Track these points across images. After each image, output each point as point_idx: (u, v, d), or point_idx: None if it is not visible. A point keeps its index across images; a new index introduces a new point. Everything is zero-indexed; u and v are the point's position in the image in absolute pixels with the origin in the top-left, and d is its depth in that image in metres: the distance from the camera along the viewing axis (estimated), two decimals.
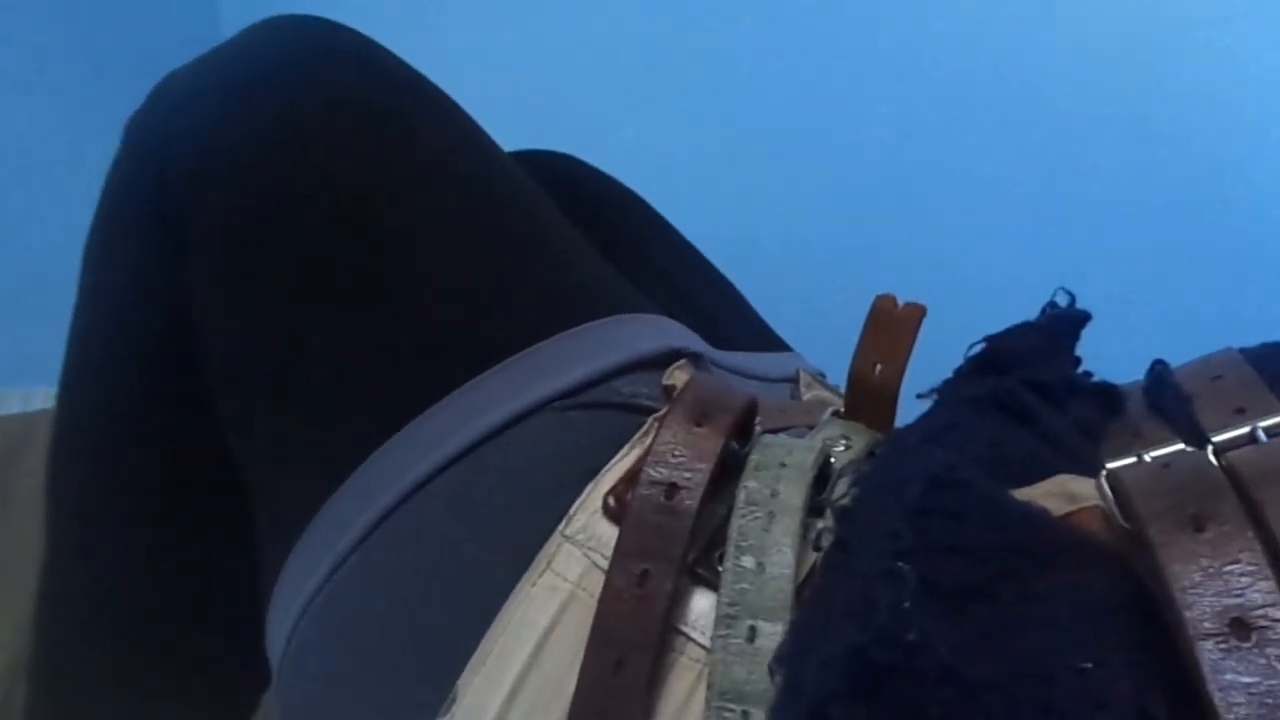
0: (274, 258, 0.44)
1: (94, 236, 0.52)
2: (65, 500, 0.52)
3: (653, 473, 0.34)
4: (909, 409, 0.39)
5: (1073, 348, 0.38)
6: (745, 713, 0.30)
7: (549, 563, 0.36)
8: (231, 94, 0.47)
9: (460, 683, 0.35)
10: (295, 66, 0.47)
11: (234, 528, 0.46)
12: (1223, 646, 0.23)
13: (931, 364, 0.40)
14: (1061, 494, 0.31)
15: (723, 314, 0.63)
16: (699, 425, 0.36)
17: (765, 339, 0.64)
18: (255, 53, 0.49)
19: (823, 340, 0.58)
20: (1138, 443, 0.32)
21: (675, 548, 0.33)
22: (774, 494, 0.34)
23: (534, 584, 0.35)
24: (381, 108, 0.46)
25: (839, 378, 0.45)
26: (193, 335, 0.47)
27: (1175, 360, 0.37)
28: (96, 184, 0.52)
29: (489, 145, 0.50)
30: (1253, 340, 0.36)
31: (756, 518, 0.34)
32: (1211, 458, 0.28)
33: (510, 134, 0.55)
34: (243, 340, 0.45)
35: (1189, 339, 0.39)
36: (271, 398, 0.44)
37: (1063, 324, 0.38)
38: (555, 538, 0.36)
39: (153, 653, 0.53)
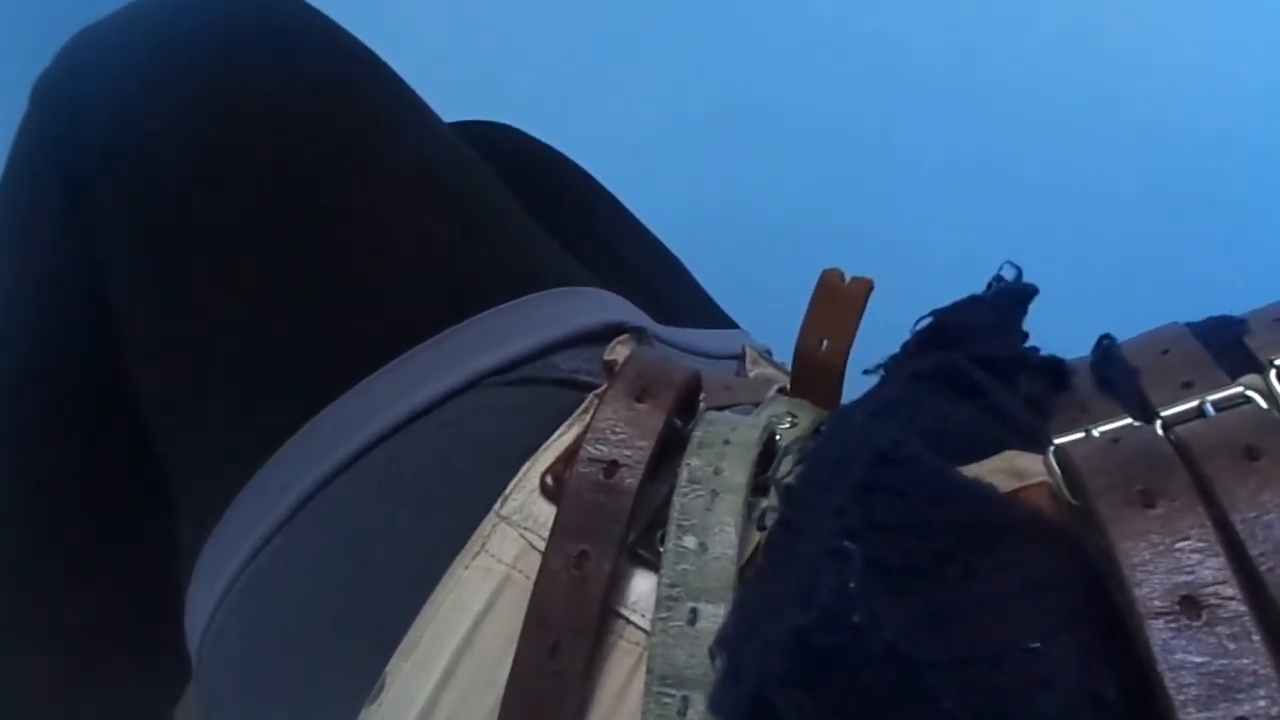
0: (194, 234, 0.42)
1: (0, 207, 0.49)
2: None
3: (592, 450, 0.33)
4: (856, 386, 0.39)
5: (1020, 322, 0.38)
6: (685, 698, 0.30)
7: (483, 544, 0.34)
8: (155, 64, 0.45)
9: (389, 669, 0.34)
10: (224, 37, 0.45)
11: (152, 510, 0.44)
12: (1173, 625, 0.23)
13: (880, 342, 0.39)
14: (1009, 470, 0.30)
15: (668, 289, 0.63)
16: (640, 401, 0.35)
17: (711, 316, 0.64)
18: (181, 15, 0.47)
19: (769, 318, 0.57)
20: (1086, 418, 0.31)
21: (615, 527, 0.32)
22: (717, 471, 0.33)
23: (467, 566, 0.34)
24: (317, 80, 0.45)
25: (786, 356, 0.44)
26: (109, 307, 0.45)
27: (1123, 336, 0.36)
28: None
29: (427, 115, 0.48)
30: (1200, 315, 0.35)
31: (699, 496, 0.33)
32: (1160, 432, 0.28)
33: (454, 107, 0.54)
34: (162, 311, 0.43)
35: (1137, 315, 0.38)
36: (192, 372, 0.42)
37: (1010, 298, 0.38)
38: (490, 518, 0.35)
39: (68, 640, 0.50)
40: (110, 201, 0.44)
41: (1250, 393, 0.28)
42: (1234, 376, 0.30)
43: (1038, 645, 0.25)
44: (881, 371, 0.37)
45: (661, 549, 0.32)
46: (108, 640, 0.52)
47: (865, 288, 0.39)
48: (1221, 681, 0.22)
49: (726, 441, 0.34)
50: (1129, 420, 0.30)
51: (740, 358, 0.53)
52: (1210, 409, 0.28)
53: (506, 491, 0.35)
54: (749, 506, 0.33)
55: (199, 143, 0.42)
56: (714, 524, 0.32)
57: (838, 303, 0.39)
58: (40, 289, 0.48)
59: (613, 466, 0.33)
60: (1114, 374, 0.33)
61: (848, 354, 0.39)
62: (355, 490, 0.37)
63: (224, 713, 0.40)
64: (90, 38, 0.48)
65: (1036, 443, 0.31)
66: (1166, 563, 0.24)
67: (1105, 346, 0.35)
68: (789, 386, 0.42)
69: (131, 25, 0.48)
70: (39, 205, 0.48)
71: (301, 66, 0.45)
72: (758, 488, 0.34)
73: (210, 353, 0.41)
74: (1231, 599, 0.23)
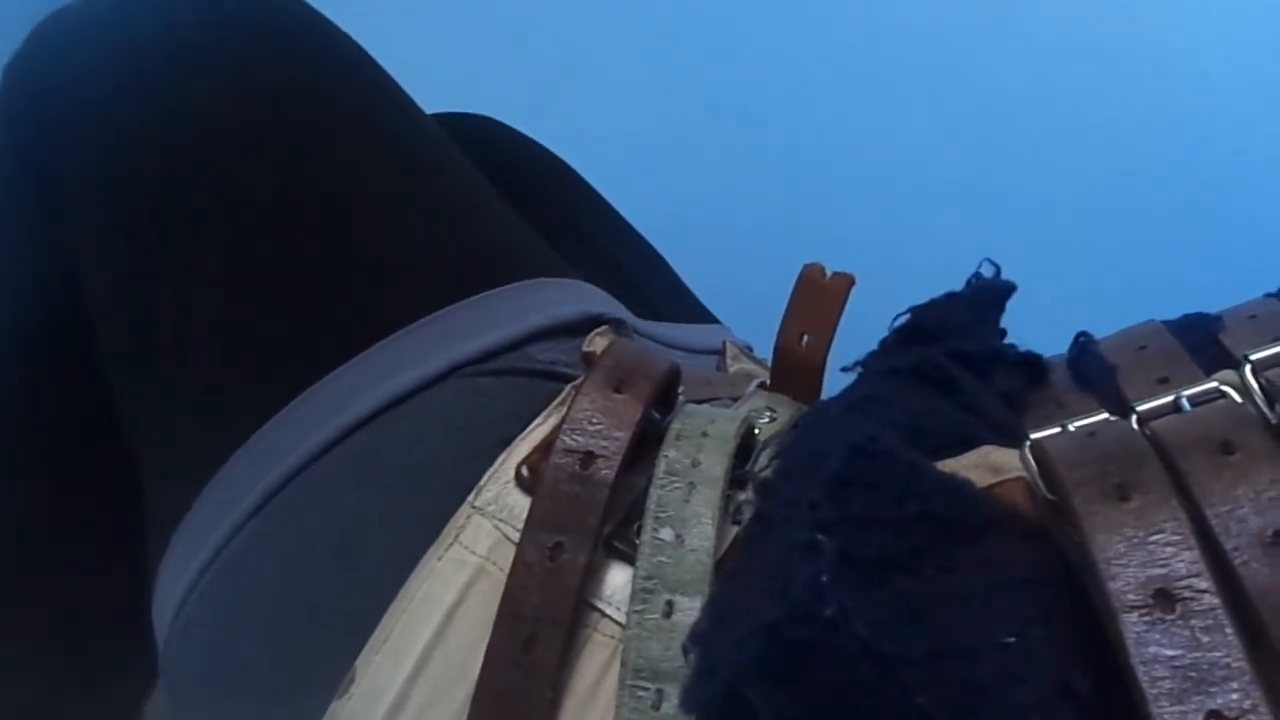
0: (167, 231, 0.41)
1: None
2: None
3: (568, 440, 0.33)
4: (836, 382, 0.38)
5: (998, 319, 0.38)
6: (660, 691, 0.29)
7: (457, 535, 0.34)
8: (128, 56, 0.44)
9: (359, 662, 0.33)
10: (200, 27, 0.44)
11: (121, 502, 0.44)
12: (1146, 619, 0.23)
13: (861, 338, 0.39)
14: (985, 465, 0.30)
15: (649, 284, 0.62)
16: (618, 392, 0.34)
17: (692, 311, 0.63)
18: (160, 4, 0.46)
19: (750, 313, 0.57)
20: (1062, 413, 0.31)
21: (590, 519, 0.32)
22: (695, 464, 0.33)
23: (440, 558, 0.34)
24: (295, 74, 0.44)
25: (766, 352, 0.44)
26: (80, 295, 0.44)
27: (1100, 334, 0.36)
28: None
29: (408, 106, 0.48)
30: (1177, 313, 0.36)
31: (676, 488, 0.32)
32: (1136, 426, 0.28)
33: (435, 99, 0.53)
34: (133, 302, 0.42)
35: (1115, 313, 0.38)
36: (162, 362, 0.41)
37: (988, 295, 0.38)
38: (464, 509, 0.34)
39: (35, 636, 0.50)
40: (81, 198, 0.43)
41: (1225, 388, 0.28)
42: (1209, 372, 0.30)
43: (1012, 640, 0.25)
44: (859, 369, 0.37)
45: (638, 541, 0.32)
46: (76, 635, 0.51)
47: (846, 283, 0.39)
48: (1194, 675, 0.22)
49: (704, 434, 0.34)
50: (1105, 415, 0.30)
51: (720, 353, 0.53)
52: (1186, 404, 0.28)
53: (481, 483, 0.35)
54: (726, 500, 0.32)
55: (171, 140, 0.42)
56: (691, 516, 0.31)
57: (818, 298, 0.39)
58: (10, 275, 0.47)
59: (589, 457, 0.33)
60: (1091, 370, 0.33)
61: (828, 349, 0.39)
62: (327, 480, 0.37)
63: (192, 706, 0.39)
64: (63, 21, 0.47)
65: (1013, 438, 0.30)
66: (1140, 556, 0.24)
67: (1082, 343, 0.35)
68: (769, 382, 0.41)
69: (106, 9, 0.47)
70: (8, 194, 0.47)
71: (280, 60, 0.44)
72: (736, 481, 0.33)
73: (181, 344, 0.41)
74: (1205, 592, 0.23)
